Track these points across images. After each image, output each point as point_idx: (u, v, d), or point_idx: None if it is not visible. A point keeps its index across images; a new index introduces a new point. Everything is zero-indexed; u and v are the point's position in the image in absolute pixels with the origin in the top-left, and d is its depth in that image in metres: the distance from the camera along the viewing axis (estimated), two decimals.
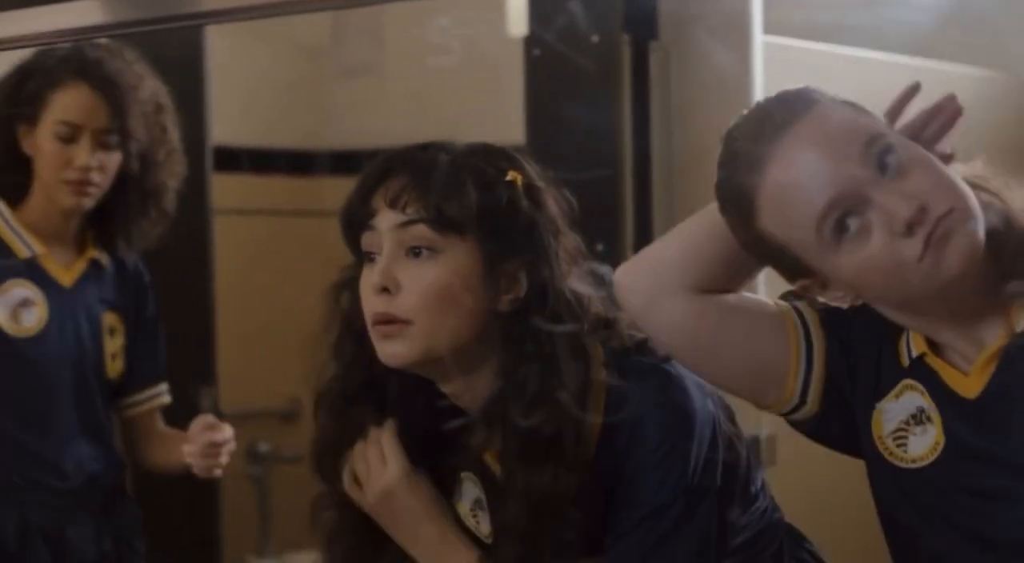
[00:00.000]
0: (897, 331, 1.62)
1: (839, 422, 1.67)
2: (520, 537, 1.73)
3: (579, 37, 2.86)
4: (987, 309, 1.55)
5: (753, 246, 1.61)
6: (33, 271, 2.58)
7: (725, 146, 1.62)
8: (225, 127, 3.84)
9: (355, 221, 1.77)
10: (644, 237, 2.90)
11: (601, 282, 1.80)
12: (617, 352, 1.77)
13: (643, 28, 2.92)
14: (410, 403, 1.84)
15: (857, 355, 1.65)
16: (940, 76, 3.39)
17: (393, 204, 1.73)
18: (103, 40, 2.56)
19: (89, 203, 2.57)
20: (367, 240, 1.76)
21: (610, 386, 1.73)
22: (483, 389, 1.77)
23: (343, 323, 1.83)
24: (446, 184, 1.73)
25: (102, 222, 2.65)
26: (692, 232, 1.71)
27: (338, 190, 1.97)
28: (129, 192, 2.61)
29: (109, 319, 2.66)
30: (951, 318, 1.56)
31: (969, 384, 1.55)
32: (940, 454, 1.57)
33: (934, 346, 1.59)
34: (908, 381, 1.60)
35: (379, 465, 1.80)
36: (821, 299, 1.63)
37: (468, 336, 1.73)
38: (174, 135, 2.67)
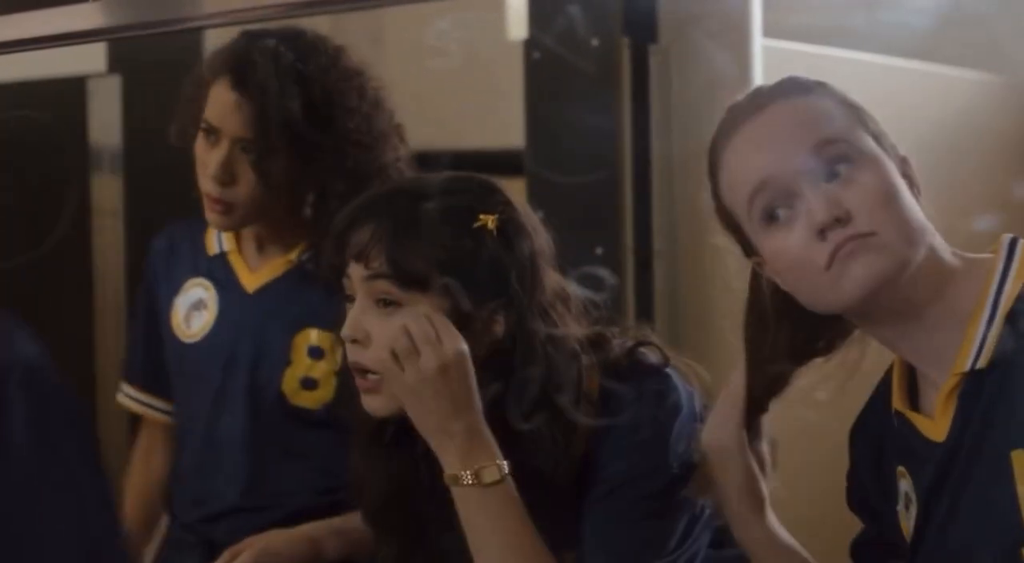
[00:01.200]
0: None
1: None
2: None
3: (579, 40, 2.86)
4: (950, 329, 1.53)
5: (719, 214, 1.62)
6: (216, 270, 2.30)
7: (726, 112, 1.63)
8: None
9: (331, 269, 1.78)
10: (644, 240, 2.91)
11: (600, 285, 1.81)
12: (611, 365, 1.78)
13: (643, 31, 2.93)
14: None
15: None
16: (938, 79, 3.40)
17: (358, 258, 1.73)
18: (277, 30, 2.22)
19: (229, 224, 2.19)
20: (346, 285, 1.77)
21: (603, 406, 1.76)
22: None
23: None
24: (406, 239, 1.72)
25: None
26: None
27: None
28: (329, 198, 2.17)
29: (311, 336, 2.23)
30: (906, 339, 1.56)
31: (935, 428, 1.55)
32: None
33: (912, 388, 1.60)
34: (900, 468, 1.62)
35: (432, 341, 1.69)
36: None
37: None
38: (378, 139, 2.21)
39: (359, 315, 1.73)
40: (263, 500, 2.22)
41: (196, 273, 2.29)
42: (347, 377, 1.81)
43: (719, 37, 2.92)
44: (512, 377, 1.72)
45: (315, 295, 2.16)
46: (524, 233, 1.77)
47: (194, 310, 2.27)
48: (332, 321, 1.97)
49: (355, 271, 1.74)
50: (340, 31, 4.48)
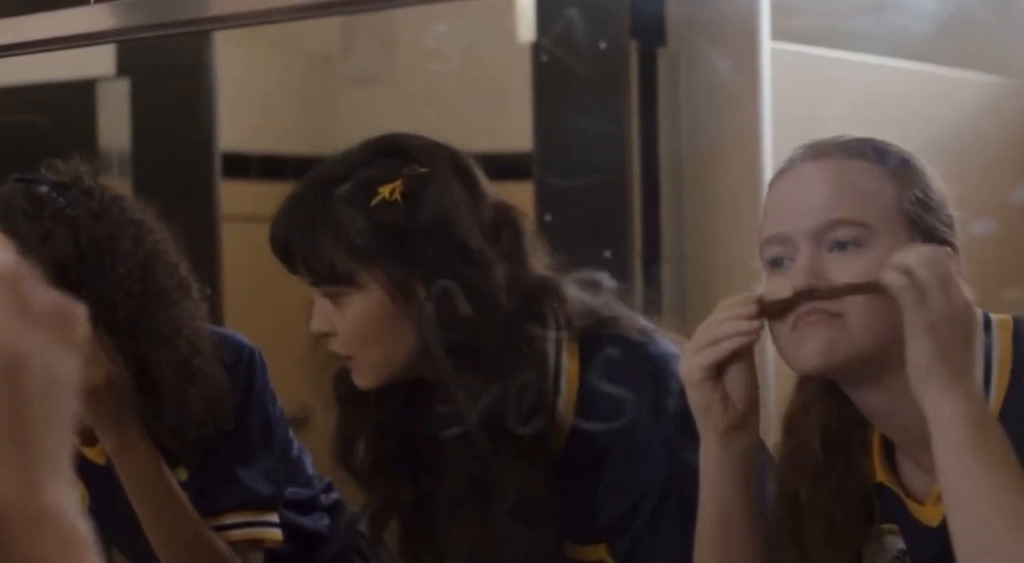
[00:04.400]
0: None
1: None
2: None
3: (587, 44, 2.87)
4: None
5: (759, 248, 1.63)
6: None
7: None
8: (234, 134, 3.85)
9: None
10: (652, 244, 2.91)
11: (598, 289, 1.81)
12: (588, 332, 1.77)
13: (651, 34, 2.93)
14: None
15: None
16: (944, 82, 3.40)
17: (292, 270, 1.80)
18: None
19: None
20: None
21: (582, 372, 1.75)
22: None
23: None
24: (314, 241, 1.74)
25: None
26: None
27: None
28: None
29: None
30: (883, 411, 1.56)
31: (928, 513, 1.56)
32: None
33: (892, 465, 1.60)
34: (887, 525, 1.61)
35: None
36: None
37: (407, 357, 1.76)
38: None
39: (321, 310, 1.79)
40: None
41: None
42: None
43: (727, 40, 2.92)
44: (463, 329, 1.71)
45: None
46: (434, 185, 1.73)
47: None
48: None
49: (304, 277, 1.81)
50: (350, 36, 4.50)
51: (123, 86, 3.56)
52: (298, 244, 1.76)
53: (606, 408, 1.72)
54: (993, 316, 1.57)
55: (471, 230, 1.73)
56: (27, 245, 1.90)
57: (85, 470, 2.12)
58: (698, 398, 1.57)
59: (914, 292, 1.42)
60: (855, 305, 1.49)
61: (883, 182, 1.54)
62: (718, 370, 1.56)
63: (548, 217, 2.79)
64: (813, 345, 1.49)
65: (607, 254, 2.80)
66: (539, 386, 1.71)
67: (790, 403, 1.65)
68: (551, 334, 1.73)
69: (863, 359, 1.50)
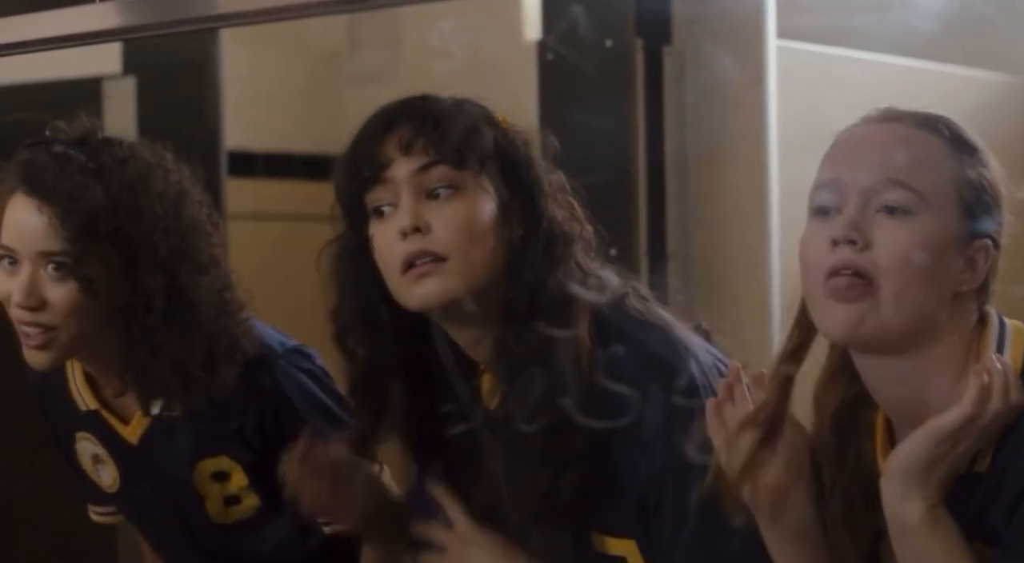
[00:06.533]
0: None
1: None
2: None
3: (592, 42, 2.87)
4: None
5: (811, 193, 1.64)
6: (95, 426, 2.18)
7: None
8: (240, 132, 3.85)
9: (363, 175, 1.79)
10: (657, 241, 2.91)
11: (604, 288, 1.81)
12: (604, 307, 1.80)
13: (656, 33, 2.93)
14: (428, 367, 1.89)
15: None
16: (949, 79, 3.39)
17: (407, 151, 1.76)
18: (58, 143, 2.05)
19: (49, 359, 2.01)
20: (376, 195, 1.79)
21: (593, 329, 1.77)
22: (495, 339, 1.79)
23: (356, 290, 1.86)
24: (459, 125, 1.77)
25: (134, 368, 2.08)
26: None
27: None
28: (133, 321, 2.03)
29: (207, 466, 2.15)
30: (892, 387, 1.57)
31: None
32: None
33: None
34: None
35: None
36: None
37: (493, 272, 1.76)
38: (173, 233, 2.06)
39: (415, 206, 1.75)
40: None
41: (79, 428, 2.20)
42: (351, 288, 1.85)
43: (732, 38, 2.92)
44: (535, 271, 1.76)
45: (189, 434, 2.12)
46: (531, 134, 1.86)
47: (97, 463, 2.21)
48: (215, 443, 2.10)
49: (401, 168, 1.77)
50: (355, 34, 4.50)
51: (129, 84, 3.57)
52: (433, 126, 1.77)
53: (622, 391, 1.72)
54: (1008, 322, 1.56)
55: (553, 178, 1.85)
56: (58, 203, 1.95)
57: (118, 448, 2.18)
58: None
59: (976, 408, 1.44)
60: (891, 278, 1.48)
61: (946, 159, 1.54)
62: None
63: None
64: (843, 315, 1.49)
65: (612, 252, 2.80)
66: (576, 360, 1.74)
67: (819, 375, 1.65)
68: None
69: (890, 334, 1.50)
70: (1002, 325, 1.55)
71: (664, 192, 2.94)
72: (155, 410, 2.09)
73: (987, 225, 1.54)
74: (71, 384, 2.18)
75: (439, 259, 1.74)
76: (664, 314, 1.82)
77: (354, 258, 1.83)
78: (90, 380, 2.17)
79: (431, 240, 1.74)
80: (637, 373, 1.71)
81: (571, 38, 2.87)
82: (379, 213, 1.78)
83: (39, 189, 1.97)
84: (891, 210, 1.50)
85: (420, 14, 3.60)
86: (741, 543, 1.66)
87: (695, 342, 1.79)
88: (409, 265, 1.75)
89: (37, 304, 1.97)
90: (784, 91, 2.89)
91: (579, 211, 1.86)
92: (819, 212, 1.54)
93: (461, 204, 1.75)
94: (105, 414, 2.16)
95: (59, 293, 1.96)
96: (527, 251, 1.77)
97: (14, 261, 1.99)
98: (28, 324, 1.98)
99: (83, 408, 2.17)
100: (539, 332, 1.74)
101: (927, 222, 1.50)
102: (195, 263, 2.06)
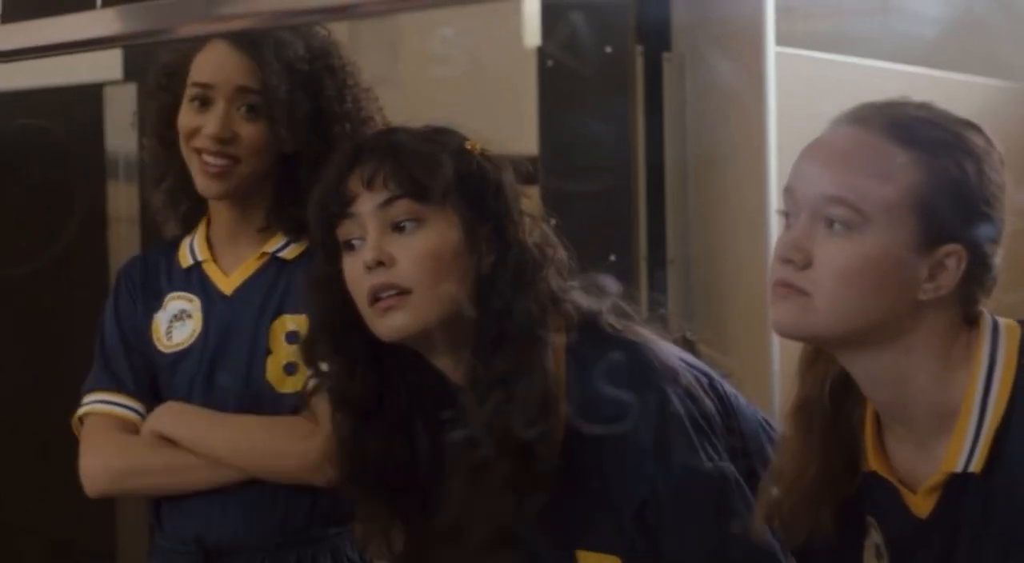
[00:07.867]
0: None
1: None
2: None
3: (592, 48, 2.87)
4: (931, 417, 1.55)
5: None
6: (193, 281, 2.27)
7: None
8: None
9: (331, 211, 1.82)
10: (657, 247, 2.91)
11: (603, 293, 1.82)
12: (579, 321, 1.81)
13: (656, 39, 2.94)
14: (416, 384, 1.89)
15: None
16: (946, 85, 3.40)
17: (370, 185, 1.79)
18: None
19: (223, 189, 2.16)
20: (345, 229, 1.82)
21: (569, 353, 1.78)
22: (466, 364, 1.81)
23: (336, 317, 1.87)
24: (421, 158, 1.80)
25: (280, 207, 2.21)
26: None
27: None
28: (300, 167, 2.16)
29: (286, 323, 2.20)
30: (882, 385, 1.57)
31: (920, 503, 1.56)
32: None
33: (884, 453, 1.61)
34: (868, 518, 1.62)
35: None
36: None
37: (461, 302, 1.78)
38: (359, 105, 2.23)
39: (379, 240, 1.79)
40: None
41: (174, 288, 2.28)
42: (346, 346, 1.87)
43: (732, 45, 2.92)
44: (504, 296, 1.78)
45: (285, 284, 2.20)
46: (502, 160, 1.88)
47: (176, 321, 2.26)
48: (301, 302, 2.08)
49: (366, 203, 1.80)
50: (357, 41, 4.50)
51: (130, 90, 3.57)
52: (396, 161, 1.79)
53: (597, 413, 1.74)
54: (1001, 321, 1.56)
55: (518, 204, 1.86)
56: (259, 47, 2.13)
57: (210, 297, 2.25)
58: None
59: None
60: (823, 288, 1.50)
61: (903, 169, 1.51)
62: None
63: (553, 221, 2.80)
64: (781, 315, 1.53)
65: (612, 258, 2.80)
66: (544, 380, 1.76)
67: (802, 350, 1.66)
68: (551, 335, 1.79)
69: (831, 338, 1.53)
70: (995, 325, 1.55)
71: (663, 198, 2.94)
72: (276, 247, 2.21)
73: (959, 229, 1.51)
74: (184, 244, 2.28)
75: (404, 292, 1.77)
76: (642, 331, 1.83)
77: (330, 288, 1.86)
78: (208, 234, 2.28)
79: (395, 273, 1.77)
80: (607, 394, 1.73)
81: (571, 44, 2.87)
82: (350, 246, 1.82)
83: (240, 36, 2.11)
84: (832, 224, 1.51)
85: (421, 20, 3.61)
86: (741, 552, 1.68)
87: (673, 357, 1.80)
88: (376, 298, 1.78)
89: (230, 136, 2.13)
90: (783, 97, 2.89)
91: (551, 235, 1.87)
92: (784, 215, 1.57)
93: (425, 236, 1.78)
94: (209, 266, 2.26)
95: (249, 130, 2.13)
96: (496, 278, 1.80)
97: (205, 101, 2.15)
98: (214, 154, 2.13)
99: (188, 263, 2.27)
100: (507, 358, 1.76)
101: (867, 239, 1.49)
102: (362, 120, 2.19)
